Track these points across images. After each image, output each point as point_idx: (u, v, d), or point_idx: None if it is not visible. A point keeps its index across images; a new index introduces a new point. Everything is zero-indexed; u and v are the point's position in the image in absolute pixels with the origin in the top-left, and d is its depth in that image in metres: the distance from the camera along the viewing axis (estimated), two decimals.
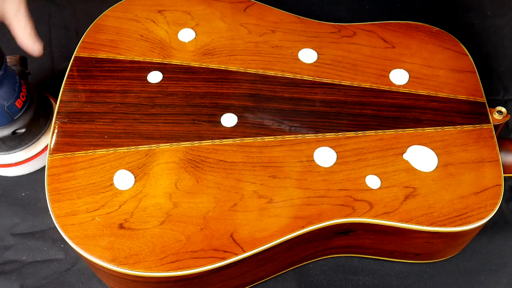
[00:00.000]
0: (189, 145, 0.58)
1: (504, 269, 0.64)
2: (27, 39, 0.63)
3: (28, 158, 0.68)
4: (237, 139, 0.59)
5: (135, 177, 0.56)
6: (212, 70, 0.64)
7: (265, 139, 0.59)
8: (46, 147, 0.68)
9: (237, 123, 0.60)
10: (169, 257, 0.52)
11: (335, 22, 0.69)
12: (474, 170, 0.58)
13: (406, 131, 0.60)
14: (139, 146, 0.58)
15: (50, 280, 0.63)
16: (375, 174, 0.57)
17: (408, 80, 0.64)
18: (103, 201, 0.54)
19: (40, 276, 0.63)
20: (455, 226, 0.55)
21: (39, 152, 0.68)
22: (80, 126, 0.59)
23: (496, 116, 0.62)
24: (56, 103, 0.63)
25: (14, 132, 0.64)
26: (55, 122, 0.60)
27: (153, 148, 0.58)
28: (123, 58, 0.65)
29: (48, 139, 0.65)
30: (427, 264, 0.64)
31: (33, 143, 0.67)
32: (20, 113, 0.64)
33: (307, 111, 0.61)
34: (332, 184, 0.56)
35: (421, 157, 0.58)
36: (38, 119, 0.66)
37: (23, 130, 0.65)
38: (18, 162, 0.68)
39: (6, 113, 0.63)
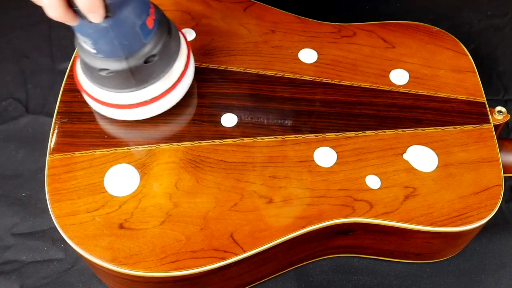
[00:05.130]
0: (189, 145, 0.58)
1: (504, 269, 0.64)
2: None
3: (161, 93, 0.56)
4: (237, 139, 0.59)
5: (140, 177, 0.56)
6: (212, 70, 0.64)
7: (265, 139, 0.59)
8: (178, 80, 0.56)
9: (237, 123, 0.60)
10: (169, 257, 0.52)
11: (335, 22, 0.69)
12: (474, 170, 0.58)
13: (406, 131, 0.60)
14: (139, 146, 0.58)
15: (50, 280, 0.63)
16: (375, 174, 0.57)
17: (408, 80, 0.64)
18: (103, 201, 0.54)
19: (40, 276, 0.64)
20: (455, 226, 0.55)
21: (172, 85, 0.56)
22: (80, 126, 0.59)
23: (496, 116, 0.62)
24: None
25: (146, 60, 0.53)
26: (55, 122, 0.60)
27: (153, 148, 0.58)
28: None
29: (179, 70, 0.56)
30: (427, 264, 0.64)
31: (165, 74, 0.56)
32: (151, 35, 0.52)
33: (307, 111, 0.61)
34: (332, 184, 0.56)
35: (421, 157, 0.58)
36: (169, 44, 0.55)
37: (156, 58, 0.53)
38: (149, 100, 0.56)
39: (138, 35, 0.51)
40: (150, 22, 0.51)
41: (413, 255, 0.62)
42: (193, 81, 0.62)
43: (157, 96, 0.56)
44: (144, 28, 0.51)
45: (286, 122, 0.60)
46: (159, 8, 0.55)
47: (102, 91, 0.55)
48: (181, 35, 0.58)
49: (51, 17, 0.45)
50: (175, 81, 0.57)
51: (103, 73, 0.52)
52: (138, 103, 0.55)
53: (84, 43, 0.51)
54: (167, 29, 0.54)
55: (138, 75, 0.53)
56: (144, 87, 0.55)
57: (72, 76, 0.63)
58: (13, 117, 0.76)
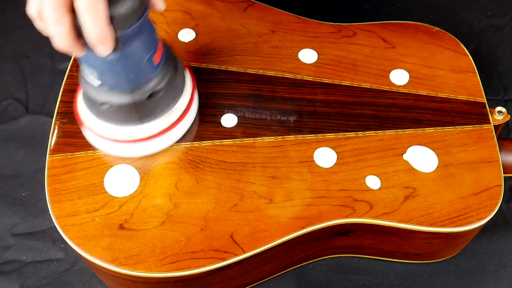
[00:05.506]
0: (189, 145, 0.58)
1: (504, 269, 0.64)
2: None
3: (164, 129, 0.55)
4: (237, 139, 0.59)
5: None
6: (212, 70, 0.64)
7: (265, 140, 0.59)
8: (182, 115, 0.56)
9: (237, 123, 0.60)
10: (169, 257, 0.52)
11: (335, 22, 0.69)
12: (474, 170, 0.58)
13: (406, 132, 0.60)
14: None
15: (50, 280, 0.63)
16: (375, 175, 0.57)
17: (408, 80, 0.64)
18: (103, 201, 0.54)
19: (40, 276, 0.64)
20: (455, 226, 0.55)
21: (175, 120, 0.56)
22: None
23: (496, 116, 0.62)
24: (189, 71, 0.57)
25: (150, 95, 0.52)
26: (55, 122, 0.60)
27: None
28: None
29: (184, 105, 0.56)
30: (427, 264, 0.64)
31: (169, 110, 0.55)
32: (157, 71, 0.52)
33: (307, 112, 0.61)
34: (332, 185, 0.56)
35: (421, 158, 0.58)
36: (175, 80, 0.54)
37: (161, 93, 0.53)
38: (152, 135, 0.55)
39: (144, 70, 0.51)
40: (157, 57, 0.51)
41: (413, 255, 0.62)
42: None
43: (158, 132, 0.55)
44: (151, 62, 0.51)
45: (286, 122, 0.60)
46: (166, 44, 0.55)
47: (103, 124, 0.54)
48: (187, 71, 0.58)
49: (58, 48, 0.45)
50: (178, 117, 0.56)
51: (106, 106, 0.52)
52: (139, 139, 0.55)
53: (89, 74, 0.50)
54: (173, 65, 0.54)
55: (142, 110, 0.53)
56: (147, 122, 0.54)
57: (72, 76, 0.63)
58: (13, 117, 0.76)
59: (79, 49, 0.46)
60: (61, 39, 0.44)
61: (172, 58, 0.55)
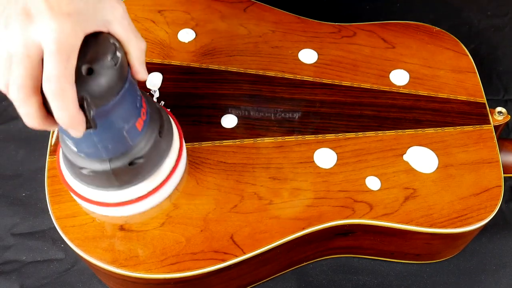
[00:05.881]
0: (189, 146, 0.58)
1: (504, 269, 0.64)
2: (139, 65, 0.45)
3: (146, 193, 0.52)
4: (237, 140, 0.59)
5: None
6: (212, 71, 0.64)
7: (265, 140, 0.59)
8: (166, 179, 0.53)
9: (237, 124, 0.60)
10: (169, 258, 0.52)
11: (335, 22, 0.69)
12: (474, 171, 0.58)
13: (406, 132, 0.60)
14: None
15: (50, 280, 0.63)
16: (375, 175, 0.57)
17: (408, 81, 0.64)
18: None
19: (40, 276, 0.64)
20: (455, 227, 0.55)
21: (158, 185, 0.53)
22: None
23: (496, 116, 0.62)
24: (176, 121, 0.54)
25: (131, 163, 0.49)
26: None
27: None
28: None
29: (168, 168, 0.53)
30: (427, 264, 0.64)
31: (152, 175, 0.51)
32: (140, 137, 0.48)
33: (307, 112, 0.61)
34: (332, 186, 0.56)
35: (421, 158, 0.58)
36: (159, 143, 0.51)
37: (142, 160, 0.49)
38: (132, 199, 0.52)
39: (124, 139, 0.47)
40: (139, 124, 0.48)
41: (413, 255, 0.62)
42: (193, 82, 0.62)
43: (142, 196, 0.52)
44: (132, 131, 0.47)
45: (286, 123, 0.60)
46: (153, 103, 0.52)
47: (83, 187, 0.51)
48: (174, 127, 0.55)
49: (29, 126, 0.42)
50: (164, 179, 0.53)
51: (84, 172, 0.48)
52: (119, 202, 0.52)
53: (66, 141, 0.48)
54: (158, 127, 0.51)
55: (122, 177, 0.49)
56: (127, 188, 0.51)
57: None
58: (13, 117, 0.76)
59: (50, 126, 0.42)
60: (29, 119, 0.41)
61: (157, 120, 0.51)
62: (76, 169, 0.49)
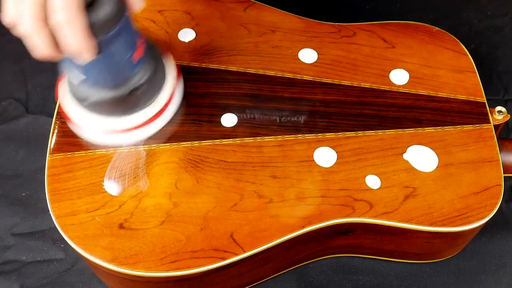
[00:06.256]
0: (189, 145, 0.58)
1: (504, 269, 0.64)
2: None
3: (145, 121, 0.57)
4: (237, 139, 0.59)
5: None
6: (212, 70, 0.64)
7: (265, 139, 0.59)
8: (162, 109, 0.57)
9: (237, 123, 0.60)
10: (169, 257, 0.52)
11: (335, 22, 0.69)
12: (474, 170, 0.58)
13: (406, 131, 0.60)
14: (139, 146, 0.58)
15: (50, 280, 0.63)
16: (375, 174, 0.57)
17: (408, 80, 0.64)
18: (103, 201, 0.54)
19: (40, 276, 0.64)
20: (455, 226, 0.55)
21: (156, 114, 0.57)
22: None
23: (496, 116, 0.62)
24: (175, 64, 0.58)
25: (131, 92, 0.53)
26: (55, 122, 0.60)
27: (153, 148, 0.58)
28: None
29: (164, 99, 0.57)
30: (427, 264, 0.64)
31: (151, 103, 0.56)
32: (137, 68, 0.53)
33: (307, 111, 0.61)
34: (332, 184, 0.56)
35: (421, 157, 0.58)
36: (156, 72, 0.56)
37: (142, 88, 0.54)
38: (132, 127, 0.56)
39: (125, 68, 0.52)
40: (137, 55, 0.52)
41: (413, 255, 0.62)
42: (193, 81, 0.62)
43: (142, 123, 0.56)
44: (131, 61, 0.51)
45: (286, 122, 0.60)
46: (147, 37, 0.55)
47: (87, 116, 0.55)
48: (169, 60, 0.59)
49: (38, 58, 0.44)
50: (161, 108, 0.57)
51: (90, 101, 0.53)
52: (123, 129, 0.55)
53: (70, 73, 0.52)
54: (154, 58, 0.55)
55: (124, 104, 0.54)
56: (130, 114, 0.55)
57: None
58: (13, 117, 0.76)
59: (59, 57, 0.45)
60: (42, 49, 0.43)
61: (153, 53, 0.56)
62: (83, 100, 0.53)
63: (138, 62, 0.53)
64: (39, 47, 0.43)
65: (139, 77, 0.53)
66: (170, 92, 0.57)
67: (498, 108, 0.62)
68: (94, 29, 0.44)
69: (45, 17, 0.42)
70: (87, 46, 0.44)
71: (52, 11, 0.41)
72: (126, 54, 0.51)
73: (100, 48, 0.46)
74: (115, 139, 0.56)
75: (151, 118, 0.56)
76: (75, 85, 0.53)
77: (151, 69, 0.54)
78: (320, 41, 0.67)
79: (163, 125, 0.58)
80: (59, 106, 0.58)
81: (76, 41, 0.43)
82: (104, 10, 0.45)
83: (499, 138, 0.61)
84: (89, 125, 0.55)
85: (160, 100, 0.57)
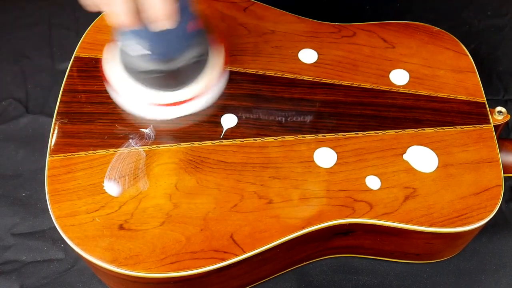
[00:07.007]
0: (189, 145, 0.58)
1: (504, 269, 0.64)
2: None
3: (191, 97, 0.59)
4: (237, 139, 0.59)
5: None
6: None
7: (265, 140, 0.59)
8: (202, 91, 0.59)
9: (237, 123, 0.60)
10: (169, 258, 0.52)
11: (335, 22, 0.69)
12: (474, 170, 0.58)
13: (406, 132, 0.60)
14: (140, 147, 0.58)
15: (50, 280, 0.63)
16: (375, 175, 0.57)
17: (408, 80, 0.64)
18: (103, 202, 0.54)
19: (40, 276, 0.64)
20: (455, 226, 0.55)
21: (200, 91, 0.59)
22: (80, 127, 0.59)
23: (496, 116, 0.62)
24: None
25: (188, 63, 0.56)
26: (55, 123, 0.60)
27: (153, 148, 0.58)
28: None
29: (208, 81, 0.59)
30: (427, 264, 0.64)
31: (195, 83, 0.58)
32: (193, 40, 0.55)
33: (307, 112, 0.61)
34: (332, 185, 0.56)
35: (421, 158, 0.58)
36: (207, 48, 0.58)
37: (190, 66, 0.56)
38: (180, 101, 0.58)
39: (180, 40, 0.54)
40: (193, 26, 0.55)
41: (413, 255, 0.62)
42: None
43: (192, 97, 0.59)
44: (187, 32, 0.54)
45: (286, 122, 0.60)
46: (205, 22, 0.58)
47: (131, 85, 0.58)
48: (219, 47, 0.62)
49: (116, 25, 0.45)
50: (210, 83, 0.60)
51: (148, 74, 0.56)
52: (173, 103, 0.58)
53: (130, 45, 0.54)
54: (206, 34, 0.58)
55: (178, 77, 0.57)
56: (183, 88, 0.58)
57: (72, 76, 0.63)
58: (13, 117, 0.76)
59: (137, 25, 0.45)
60: (120, 17, 0.44)
61: (204, 28, 0.58)
62: (135, 73, 0.56)
63: (194, 32, 0.55)
64: (119, 14, 0.43)
65: (190, 54, 0.55)
66: (216, 75, 0.60)
67: (498, 108, 0.62)
68: None
69: None
70: (172, 11, 0.44)
71: None
72: (184, 25, 0.52)
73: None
74: (152, 111, 0.59)
75: (192, 97, 0.59)
76: (130, 56, 0.55)
77: (202, 49, 0.57)
78: (320, 41, 0.67)
79: (201, 107, 0.60)
80: (101, 68, 0.60)
81: (163, 6, 0.44)
82: None
83: (499, 139, 0.61)
84: (130, 93, 0.58)
85: (202, 81, 0.59)
